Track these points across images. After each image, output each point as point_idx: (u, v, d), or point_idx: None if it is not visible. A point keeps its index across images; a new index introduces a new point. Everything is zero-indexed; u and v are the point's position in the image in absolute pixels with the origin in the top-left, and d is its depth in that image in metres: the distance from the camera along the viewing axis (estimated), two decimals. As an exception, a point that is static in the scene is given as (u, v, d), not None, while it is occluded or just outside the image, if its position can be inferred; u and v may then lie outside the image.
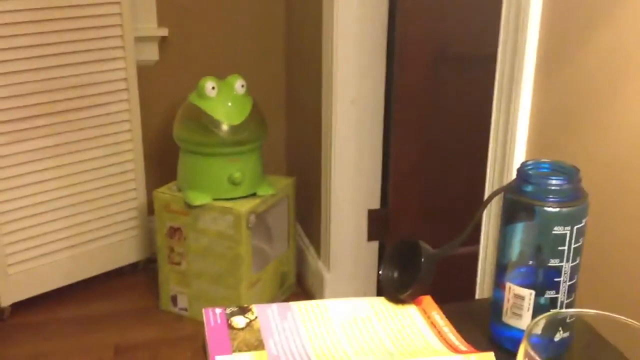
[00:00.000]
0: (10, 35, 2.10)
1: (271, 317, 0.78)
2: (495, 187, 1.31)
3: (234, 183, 2.21)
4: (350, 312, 0.80)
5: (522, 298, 0.77)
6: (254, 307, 0.79)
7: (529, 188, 0.75)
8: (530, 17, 1.19)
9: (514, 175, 0.79)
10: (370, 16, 2.09)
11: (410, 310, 0.82)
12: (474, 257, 1.50)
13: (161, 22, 2.53)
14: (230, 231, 2.18)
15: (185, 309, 2.34)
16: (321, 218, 2.34)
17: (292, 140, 2.76)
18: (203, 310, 0.77)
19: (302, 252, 2.57)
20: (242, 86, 2.23)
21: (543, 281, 0.76)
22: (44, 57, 2.17)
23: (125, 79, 2.35)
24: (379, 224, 2.30)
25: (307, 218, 2.54)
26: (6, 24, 2.08)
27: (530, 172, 0.77)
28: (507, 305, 0.79)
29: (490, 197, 0.81)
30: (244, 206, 2.18)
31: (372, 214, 2.29)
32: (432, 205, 2.27)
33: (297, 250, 2.54)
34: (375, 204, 2.29)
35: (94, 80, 2.29)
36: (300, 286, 2.56)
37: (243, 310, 0.78)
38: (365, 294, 2.28)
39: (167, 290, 2.35)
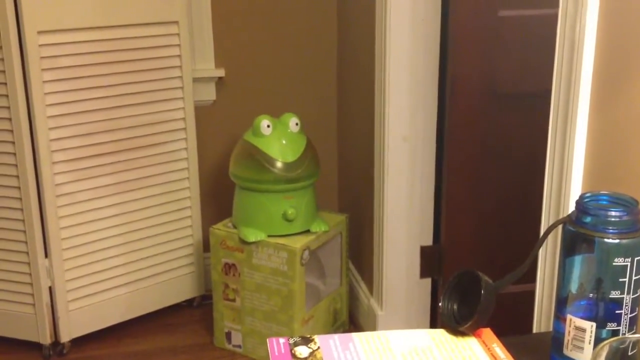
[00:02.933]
0: (77, 77, 2.18)
1: (333, 347, 0.80)
2: (552, 221, 1.30)
3: (288, 220, 2.24)
4: (411, 344, 0.81)
5: (583, 331, 0.77)
6: (316, 337, 0.81)
7: (588, 220, 0.76)
8: (584, 51, 1.20)
9: (570, 209, 0.80)
10: (422, 54, 2.11)
11: (470, 342, 0.82)
12: (523, 295, 1.49)
13: (218, 64, 2.61)
14: (283, 267, 2.20)
15: (239, 346, 2.36)
16: (373, 255, 2.34)
17: (345, 177, 2.79)
18: (267, 340, 0.79)
19: (354, 289, 2.57)
20: (297, 124, 2.27)
21: (604, 313, 0.76)
22: (108, 97, 2.25)
23: (183, 119, 2.42)
24: (431, 261, 2.30)
25: (359, 255, 2.55)
26: (73, 66, 2.17)
27: (589, 203, 0.78)
28: (568, 338, 0.79)
29: (550, 229, 0.82)
30: (297, 243, 2.21)
31: (424, 250, 2.29)
32: (485, 240, 2.25)
33: (350, 288, 2.54)
34: (428, 241, 2.29)
35: (154, 120, 2.36)
36: (352, 323, 2.55)
37: (306, 341, 0.80)
38: (419, 331, 2.26)
39: (222, 326, 2.38)
